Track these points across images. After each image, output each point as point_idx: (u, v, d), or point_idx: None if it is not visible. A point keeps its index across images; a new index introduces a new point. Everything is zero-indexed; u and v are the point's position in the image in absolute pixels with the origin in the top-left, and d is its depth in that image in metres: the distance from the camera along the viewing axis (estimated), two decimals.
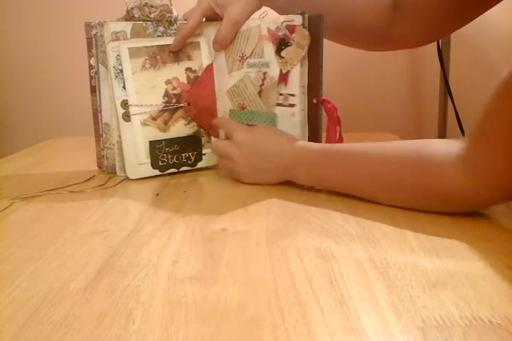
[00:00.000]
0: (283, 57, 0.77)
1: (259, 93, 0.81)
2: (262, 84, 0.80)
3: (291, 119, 0.78)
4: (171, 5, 0.82)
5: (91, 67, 0.82)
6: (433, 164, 0.59)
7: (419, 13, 0.82)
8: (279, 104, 0.79)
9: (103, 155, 0.84)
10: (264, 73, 0.80)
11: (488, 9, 0.79)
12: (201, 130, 0.86)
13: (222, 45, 0.82)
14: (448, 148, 0.59)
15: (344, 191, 0.70)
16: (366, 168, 0.64)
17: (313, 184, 0.73)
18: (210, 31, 0.83)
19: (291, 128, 0.77)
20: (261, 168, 0.74)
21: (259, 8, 0.82)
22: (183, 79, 0.84)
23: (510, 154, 0.54)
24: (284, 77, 0.77)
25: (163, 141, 0.83)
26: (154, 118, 0.82)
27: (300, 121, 0.77)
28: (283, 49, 0.76)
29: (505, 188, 0.56)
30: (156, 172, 0.83)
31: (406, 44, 0.91)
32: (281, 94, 0.79)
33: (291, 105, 0.78)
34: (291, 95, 0.77)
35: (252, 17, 0.81)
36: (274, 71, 0.78)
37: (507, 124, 0.54)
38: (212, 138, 0.86)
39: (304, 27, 0.74)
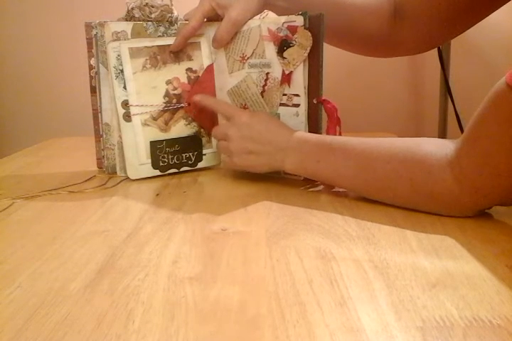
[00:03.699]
0: (285, 58, 0.77)
1: (262, 93, 0.81)
2: (265, 85, 0.80)
3: (295, 119, 0.78)
4: (172, 5, 0.82)
5: (91, 68, 0.82)
6: (426, 164, 0.59)
7: (419, 21, 0.82)
8: (282, 104, 0.79)
9: (103, 156, 0.85)
10: (267, 74, 0.80)
11: (488, 15, 0.80)
12: (202, 130, 0.86)
13: (219, 43, 0.82)
14: (441, 148, 0.59)
15: (335, 183, 0.70)
16: (364, 163, 0.64)
17: (302, 173, 0.73)
18: (211, 31, 0.83)
19: (294, 128, 0.77)
20: (254, 150, 0.74)
21: (260, 11, 0.82)
22: (184, 79, 0.84)
23: (493, 161, 0.55)
24: (287, 78, 0.77)
25: (164, 141, 0.83)
26: (155, 119, 0.82)
27: (304, 121, 0.77)
28: (285, 50, 0.76)
29: (487, 193, 0.57)
30: (157, 172, 0.83)
31: (406, 51, 0.91)
32: (284, 95, 0.79)
33: (296, 105, 0.78)
34: (296, 95, 0.77)
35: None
36: (277, 71, 0.78)
37: (493, 131, 0.54)
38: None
39: (305, 28, 0.74)
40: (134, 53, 0.80)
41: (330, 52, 0.86)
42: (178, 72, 0.84)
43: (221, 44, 0.82)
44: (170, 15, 0.82)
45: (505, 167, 0.54)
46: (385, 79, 1.36)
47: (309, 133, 0.74)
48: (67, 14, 1.34)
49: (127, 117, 0.81)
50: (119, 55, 0.79)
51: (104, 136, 0.83)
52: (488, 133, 0.55)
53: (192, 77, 0.85)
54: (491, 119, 0.55)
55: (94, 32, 0.80)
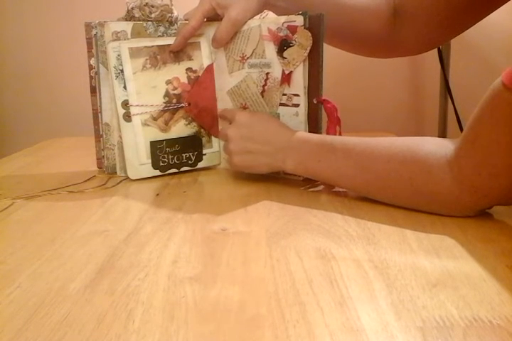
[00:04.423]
0: (285, 58, 0.77)
1: (262, 93, 0.81)
2: (265, 85, 0.80)
3: (295, 119, 0.78)
4: (172, 5, 0.82)
5: (91, 68, 0.82)
6: (426, 163, 0.59)
7: (418, 21, 0.82)
8: (282, 104, 0.79)
9: (103, 156, 0.85)
10: (267, 73, 0.80)
11: (487, 15, 0.80)
12: (202, 130, 0.86)
13: (219, 43, 0.82)
14: (441, 148, 0.59)
15: (336, 183, 0.70)
16: (365, 162, 0.64)
17: (303, 173, 0.73)
18: (211, 31, 0.83)
19: (294, 128, 0.77)
20: (253, 150, 0.74)
21: (260, 11, 0.82)
22: (184, 79, 0.84)
23: (492, 161, 0.55)
24: (287, 78, 0.77)
25: (164, 141, 0.83)
26: (155, 119, 0.82)
27: (303, 120, 0.77)
28: (285, 49, 0.76)
29: (487, 193, 0.57)
30: (157, 172, 0.83)
31: (406, 51, 0.91)
32: (284, 94, 0.79)
33: (295, 105, 0.78)
34: (295, 95, 0.77)
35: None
36: (277, 71, 0.78)
37: (491, 130, 0.54)
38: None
39: (305, 27, 0.74)
40: (134, 53, 0.80)
41: (330, 53, 0.86)
42: (178, 72, 0.84)
43: (221, 44, 0.82)
44: (170, 15, 0.82)
45: (504, 166, 0.55)
46: (385, 79, 1.36)
47: (310, 133, 0.74)
48: (67, 14, 1.34)
49: (127, 117, 0.81)
50: (119, 55, 0.79)
51: (104, 136, 0.83)
52: (486, 133, 0.55)
53: (192, 77, 0.85)
54: (488, 119, 0.55)
55: (94, 32, 0.80)
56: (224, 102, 0.86)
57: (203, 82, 0.85)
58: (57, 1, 1.35)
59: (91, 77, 0.83)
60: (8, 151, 1.14)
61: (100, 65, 0.81)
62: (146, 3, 0.80)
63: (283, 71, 0.78)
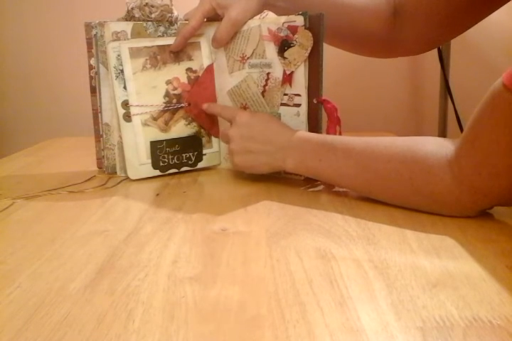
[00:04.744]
0: (286, 58, 0.77)
1: (263, 93, 0.81)
2: (266, 85, 0.80)
3: (296, 119, 0.78)
4: (172, 5, 0.82)
5: (91, 68, 0.82)
6: (426, 163, 0.59)
7: (418, 21, 0.82)
8: (283, 104, 0.79)
9: (103, 156, 0.85)
10: (268, 74, 0.80)
11: (488, 15, 0.80)
12: (202, 130, 0.86)
13: (219, 43, 0.82)
14: (441, 148, 0.59)
15: (336, 183, 0.70)
16: (365, 162, 0.64)
17: (303, 172, 0.73)
18: (211, 31, 0.83)
19: (295, 128, 0.77)
20: (254, 149, 0.74)
21: (260, 11, 0.82)
22: (184, 79, 0.84)
23: (492, 161, 0.55)
24: (288, 78, 0.77)
25: (164, 142, 0.83)
26: (155, 119, 0.82)
27: (304, 120, 0.77)
28: (286, 50, 0.76)
29: (487, 193, 0.57)
30: (157, 172, 0.83)
31: (406, 51, 0.91)
32: (285, 94, 0.79)
33: (297, 105, 0.78)
34: (297, 95, 0.77)
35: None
36: (278, 71, 0.78)
37: (491, 131, 0.54)
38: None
39: (306, 27, 0.74)
40: (134, 53, 0.80)
41: (330, 52, 0.86)
42: (178, 72, 0.84)
43: (220, 44, 0.82)
44: (170, 15, 0.82)
45: (504, 167, 0.55)
46: (385, 79, 1.36)
47: (310, 133, 0.74)
48: (67, 14, 1.34)
49: (127, 117, 0.81)
50: (119, 55, 0.79)
51: (104, 136, 0.83)
52: (486, 133, 0.55)
53: (192, 77, 0.85)
54: (488, 119, 0.55)
55: (94, 32, 0.80)
56: (224, 102, 0.86)
57: (203, 82, 0.85)
58: (57, 1, 1.35)
59: (91, 77, 0.83)
60: (8, 151, 1.14)
61: (100, 65, 0.81)
62: (146, 3, 0.80)
63: (284, 71, 0.78)
